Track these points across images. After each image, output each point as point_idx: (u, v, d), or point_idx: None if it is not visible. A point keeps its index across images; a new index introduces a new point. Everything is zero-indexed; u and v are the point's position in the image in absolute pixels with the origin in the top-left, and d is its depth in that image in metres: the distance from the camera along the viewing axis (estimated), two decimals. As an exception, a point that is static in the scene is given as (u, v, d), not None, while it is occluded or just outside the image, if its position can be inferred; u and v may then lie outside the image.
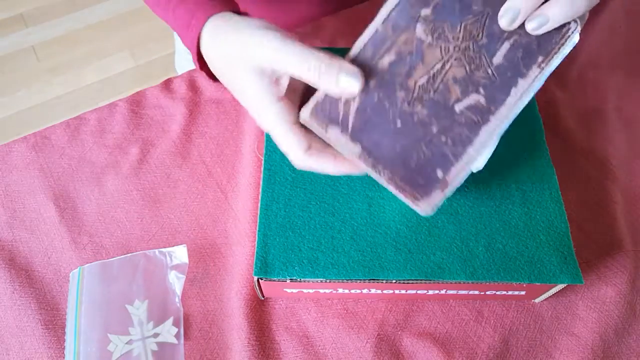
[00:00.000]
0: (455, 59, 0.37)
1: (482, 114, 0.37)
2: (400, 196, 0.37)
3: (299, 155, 0.37)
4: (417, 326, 0.45)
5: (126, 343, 0.43)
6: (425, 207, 0.37)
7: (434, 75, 0.37)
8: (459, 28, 0.37)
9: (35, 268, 0.47)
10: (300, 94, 0.40)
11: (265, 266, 0.41)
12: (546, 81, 0.39)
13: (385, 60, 0.37)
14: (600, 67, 0.62)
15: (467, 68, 0.37)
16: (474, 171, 0.38)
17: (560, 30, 0.36)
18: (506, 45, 0.37)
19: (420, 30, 0.37)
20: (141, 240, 0.49)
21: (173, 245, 0.48)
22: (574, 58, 0.62)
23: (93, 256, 0.48)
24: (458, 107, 0.37)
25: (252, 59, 0.36)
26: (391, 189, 0.37)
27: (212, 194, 0.51)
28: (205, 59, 0.43)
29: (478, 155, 0.37)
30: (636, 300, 0.47)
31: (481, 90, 0.37)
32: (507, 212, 0.44)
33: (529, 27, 0.37)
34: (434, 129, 0.37)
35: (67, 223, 0.49)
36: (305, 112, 0.37)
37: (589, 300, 0.47)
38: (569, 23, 0.35)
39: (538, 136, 0.48)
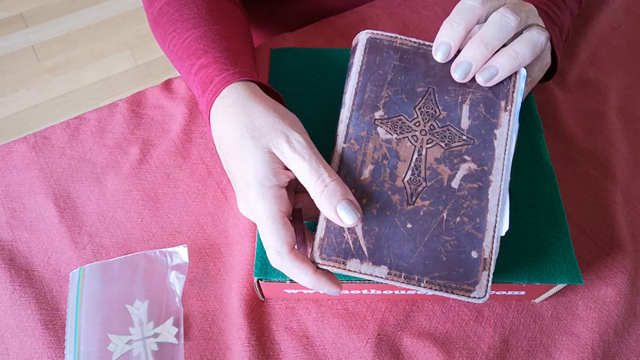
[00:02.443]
0: (427, 142, 0.37)
1: (480, 178, 0.37)
2: (451, 296, 0.35)
3: (283, 250, 0.34)
4: (417, 326, 0.45)
5: (126, 343, 0.43)
6: (479, 294, 0.35)
7: (416, 166, 0.37)
8: (415, 114, 0.38)
9: (35, 268, 0.47)
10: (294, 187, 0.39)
11: (265, 267, 0.41)
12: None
13: (366, 173, 0.37)
14: (600, 67, 0.62)
15: (443, 144, 0.37)
16: (502, 235, 0.37)
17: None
18: (466, 108, 0.37)
19: (382, 132, 0.38)
20: (141, 240, 0.49)
21: (173, 246, 0.48)
22: (574, 58, 0.62)
23: (93, 256, 0.48)
24: (455, 183, 0.36)
25: (273, 138, 0.35)
26: (437, 293, 0.35)
27: (212, 194, 0.51)
28: (212, 123, 0.41)
29: (499, 218, 0.36)
30: (636, 300, 0.47)
31: (466, 157, 0.37)
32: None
33: (480, 79, 0.38)
34: (445, 214, 0.36)
35: (67, 223, 0.49)
36: (316, 255, 0.35)
37: (589, 300, 0.47)
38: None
39: (538, 136, 0.48)
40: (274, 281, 0.42)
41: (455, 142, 0.37)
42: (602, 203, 0.51)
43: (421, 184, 0.37)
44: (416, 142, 0.37)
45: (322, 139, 0.47)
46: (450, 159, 0.37)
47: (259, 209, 0.35)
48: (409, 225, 0.36)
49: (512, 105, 0.36)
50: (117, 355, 0.43)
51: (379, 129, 0.38)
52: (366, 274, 0.35)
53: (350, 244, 0.35)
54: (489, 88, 0.37)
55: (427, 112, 0.38)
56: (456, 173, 0.37)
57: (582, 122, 0.57)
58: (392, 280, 0.35)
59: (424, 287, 0.35)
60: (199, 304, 0.46)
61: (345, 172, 0.37)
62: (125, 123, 0.55)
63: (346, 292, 0.45)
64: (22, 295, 0.45)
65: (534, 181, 0.46)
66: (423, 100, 0.38)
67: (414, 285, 0.35)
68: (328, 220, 0.36)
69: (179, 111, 0.56)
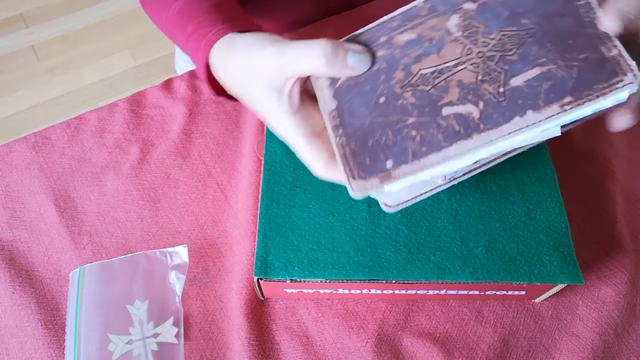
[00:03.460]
0: (472, 64, 0.33)
1: (467, 127, 0.32)
2: (340, 167, 0.34)
3: (320, 167, 0.37)
4: (417, 326, 0.45)
5: (126, 343, 0.43)
6: (355, 188, 0.33)
7: (441, 70, 0.33)
8: (494, 35, 0.33)
9: (35, 268, 0.47)
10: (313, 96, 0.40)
11: (265, 266, 0.41)
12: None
13: (405, 37, 0.34)
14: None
15: (479, 77, 0.32)
16: (432, 190, 0.35)
17: (609, 78, 0.30)
18: (535, 71, 0.31)
19: (453, 21, 0.34)
20: (141, 240, 0.49)
21: (173, 245, 0.48)
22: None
23: (93, 256, 0.48)
24: (446, 111, 0.32)
25: (261, 77, 0.36)
26: (337, 157, 0.34)
27: (212, 194, 0.51)
28: (221, 84, 0.43)
29: (438, 166, 0.32)
30: (636, 300, 0.47)
31: (480, 104, 0.32)
32: (507, 212, 0.44)
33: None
34: (410, 120, 0.33)
35: (67, 223, 0.49)
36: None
37: (589, 300, 0.47)
38: (623, 73, 0.29)
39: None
40: (274, 281, 0.42)
41: (490, 85, 0.32)
42: (602, 203, 0.51)
43: (427, 85, 0.33)
44: (466, 55, 0.33)
45: (322, 139, 0.47)
46: (468, 92, 0.32)
47: (285, 138, 0.38)
48: (381, 100, 0.34)
49: (571, 108, 0.30)
50: (117, 355, 0.43)
51: (454, 17, 0.34)
52: (322, 96, 0.36)
53: None
54: (576, 74, 0.30)
55: (504, 44, 0.32)
56: (457, 105, 0.32)
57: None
58: (329, 116, 0.35)
59: (336, 142, 0.34)
60: (199, 303, 0.46)
61: (395, 21, 0.35)
62: (125, 123, 0.55)
63: (346, 292, 0.45)
64: (22, 295, 0.45)
65: (534, 181, 0.46)
66: (514, 32, 0.32)
67: (333, 135, 0.35)
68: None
69: (179, 111, 0.56)
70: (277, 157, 0.46)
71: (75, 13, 1.65)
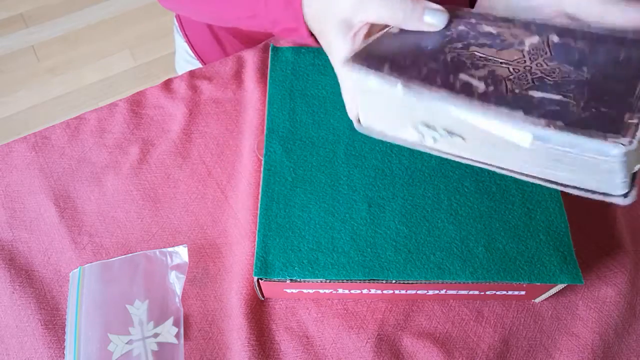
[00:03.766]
0: (514, 69, 0.34)
1: (463, 90, 0.32)
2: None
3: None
4: (417, 326, 0.45)
5: (126, 343, 0.43)
6: (348, 62, 0.34)
7: (488, 59, 0.34)
8: (552, 64, 0.34)
9: (35, 268, 0.47)
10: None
11: (265, 266, 0.41)
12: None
13: (487, 29, 0.37)
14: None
15: (510, 76, 0.33)
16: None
17: (607, 131, 0.28)
18: (556, 97, 0.31)
19: (532, 40, 0.36)
20: (141, 240, 0.49)
21: (173, 245, 0.48)
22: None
23: (93, 256, 0.48)
24: (462, 76, 0.33)
25: (335, 12, 0.37)
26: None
27: (212, 194, 0.51)
28: (309, 26, 0.42)
29: (420, 100, 0.32)
30: (636, 300, 0.47)
31: (490, 87, 0.32)
32: (507, 212, 0.44)
33: None
34: (432, 65, 0.34)
35: (67, 223, 0.49)
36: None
37: (589, 300, 0.47)
38: (622, 134, 0.28)
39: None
40: (274, 281, 0.42)
41: (510, 83, 0.32)
42: (602, 203, 0.51)
43: (467, 59, 0.35)
44: (515, 62, 0.34)
45: (322, 135, 0.48)
46: (488, 77, 0.33)
47: (339, 53, 0.37)
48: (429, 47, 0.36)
49: (556, 129, 0.29)
50: (117, 355, 0.43)
51: (535, 37, 0.36)
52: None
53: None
54: (584, 115, 0.30)
55: (551, 72, 0.33)
56: (471, 77, 0.33)
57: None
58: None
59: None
60: (199, 303, 0.46)
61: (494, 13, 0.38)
62: (125, 123, 0.55)
63: (346, 292, 0.45)
64: (22, 295, 0.45)
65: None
66: (566, 70, 0.33)
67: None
68: None
69: (179, 111, 0.56)
70: (277, 157, 0.46)
71: (75, 13, 1.65)
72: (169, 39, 1.53)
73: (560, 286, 0.43)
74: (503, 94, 0.32)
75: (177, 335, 0.44)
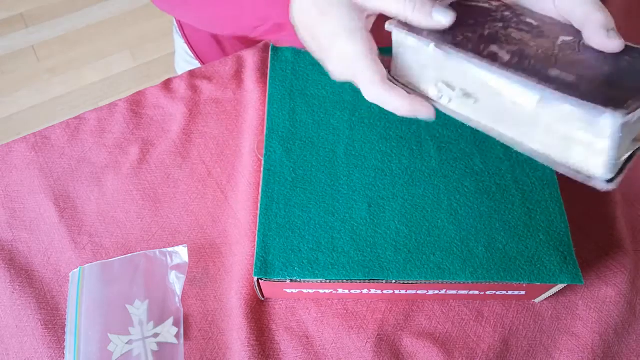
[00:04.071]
0: (542, 51, 0.36)
1: (488, 56, 0.35)
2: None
3: (377, 80, 0.37)
4: (417, 326, 0.45)
5: (126, 343, 0.43)
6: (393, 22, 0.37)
7: (522, 41, 0.36)
8: (580, 56, 0.35)
9: (35, 268, 0.47)
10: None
11: (265, 266, 0.41)
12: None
13: (529, 20, 0.38)
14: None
15: (538, 52, 0.35)
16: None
17: (597, 104, 0.30)
18: (571, 78, 0.33)
19: (565, 39, 0.37)
20: (141, 240, 0.49)
21: (173, 245, 0.48)
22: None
23: (93, 256, 0.48)
24: (493, 47, 0.36)
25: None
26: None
27: (212, 194, 0.51)
28: (294, 12, 0.41)
29: (447, 59, 0.36)
30: (636, 300, 0.47)
31: (515, 58, 0.35)
32: (507, 212, 0.44)
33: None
34: (467, 32, 0.37)
35: (67, 223, 0.49)
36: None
37: (589, 300, 0.47)
38: (612, 107, 0.30)
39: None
40: (274, 281, 0.42)
41: (534, 60, 0.35)
42: (602, 203, 0.51)
43: (504, 29, 0.37)
44: (543, 50, 0.36)
45: (322, 135, 0.47)
46: (515, 50, 0.36)
47: (349, 51, 0.37)
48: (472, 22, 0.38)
49: (559, 95, 0.32)
50: (117, 355, 0.43)
51: (569, 38, 0.37)
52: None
53: None
54: (589, 91, 0.32)
55: (577, 56, 0.35)
56: (500, 47, 0.36)
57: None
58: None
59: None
60: (199, 304, 0.46)
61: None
62: (125, 123, 0.55)
63: (346, 292, 0.45)
64: (22, 296, 0.45)
65: (534, 181, 0.46)
66: (592, 64, 0.34)
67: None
68: None
69: (178, 111, 0.56)
70: (277, 157, 0.46)
71: (75, 13, 1.65)
72: (169, 39, 1.53)
73: (560, 286, 0.43)
74: (524, 66, 0.34)
75: (177, 335, 0.44)
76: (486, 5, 0.40)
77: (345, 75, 0.39)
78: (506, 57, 0.35)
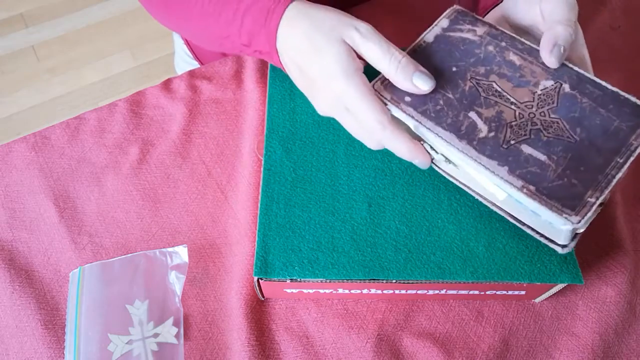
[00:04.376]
0: (519, 114, 0.39)
1: (467, 134, 0.38)
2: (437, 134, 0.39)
3: (385, 119, 0.38)
4: (417, 326, 0.45)
5: (126, 343, 0.43)
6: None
7: (502, 96, 0.40)
8: (553, 117, 0.39)
9: (35, 268, 0.47)
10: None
11: (265, 266, 0.41)
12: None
13: (513, 58, 0.41)
14: (599, 67, 0.62)
15: (513, 122, 0.39)
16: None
17: (564, 205, 0.36)
18: (542, 157, 0.37)
19: (547, 84, 0.40)
20: (141, 240, 0.49)
21: (173, 246, 0.48)
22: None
23: (93, 256, 0.48)
24: (472, 114, 0.39)
25: (343, 30, 0.38)
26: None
27: (212, 194, 0.51)
28: (280, 45, 0.41)
29: (427, 133, 0.39)
30: (636, 300, 0.47)
31: (491, 134, 0.38)
32: (507, 212, 0.44)
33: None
34: (448, 95, 0.40)
35: (67, 223, 0.49)
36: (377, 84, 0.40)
37: (589, 300, 0.47)
38: (574, 211, 0.36)
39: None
40: (274, 281, 0.42)
41: (510, 132, 0.38)
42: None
43: (484, 91, 0.40)
44: (524, 106, 0.39)
45: (322, 135, 0.47)
46: (493, 120, 0.39)
47: (350, 93, 0.38)
48: (450, 95, 0.40)
49: (525, 193, 0.37)
50: (117, 355, 0.43)
51: (550, 82, 0.40)
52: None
53: None
54: (556, 183, 0.37)
55: (549, 126, 0.39)
56: (478, 117, 0.39)
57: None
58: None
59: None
60: (199, 304, 0.46)
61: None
62: (125, 123, 0.55)
63: (346, 291, 0.45)
64: (22, 295, 0.45)
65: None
66: (563, 127, 0.38)
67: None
68: None
69: (178, 111, 0.56)
70: (277, 157, 0.46)
71: (75, 13, 1.65)
72: (169, 39, 1.53)
73: (560, 286, 0.43)
74: (499, 145, 0.38)
75: (177, 336, 0.44)
76: (470, 36, 0.42)
77: (333, 113, 0.40)
78: (484, 129, 0.39)
